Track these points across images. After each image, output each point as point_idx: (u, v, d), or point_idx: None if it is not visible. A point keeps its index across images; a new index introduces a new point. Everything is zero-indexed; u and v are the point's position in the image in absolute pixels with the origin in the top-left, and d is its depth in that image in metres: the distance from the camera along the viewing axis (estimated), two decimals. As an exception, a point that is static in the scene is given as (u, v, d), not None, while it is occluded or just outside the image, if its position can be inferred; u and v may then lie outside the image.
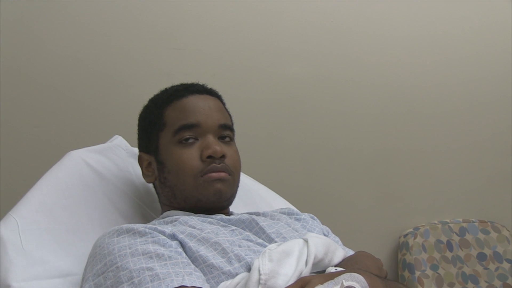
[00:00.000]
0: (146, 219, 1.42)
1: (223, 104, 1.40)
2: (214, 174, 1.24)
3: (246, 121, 2.09)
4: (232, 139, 1.35)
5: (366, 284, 0.88)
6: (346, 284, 0.87)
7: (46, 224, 1.26)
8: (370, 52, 2.43)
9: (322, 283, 0.88)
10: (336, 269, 1.04)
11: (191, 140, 1.27)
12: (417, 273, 2.30)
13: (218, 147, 1.25)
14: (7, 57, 1.94)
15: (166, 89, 1.39)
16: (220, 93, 1.42)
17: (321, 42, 2.36)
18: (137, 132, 1.42)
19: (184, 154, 1.26)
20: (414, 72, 2.50)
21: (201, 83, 1.39)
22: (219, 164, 1.25)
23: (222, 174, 1.25)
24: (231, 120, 1.39)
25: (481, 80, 2.59)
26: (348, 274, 0.89)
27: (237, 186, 1.34)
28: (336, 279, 0.89)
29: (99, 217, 1.36)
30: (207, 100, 1.33)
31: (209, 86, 1.39)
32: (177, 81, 1.41)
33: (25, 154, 1.95)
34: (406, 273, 2.32)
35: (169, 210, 1.31)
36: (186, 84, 1.38)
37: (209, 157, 1.25)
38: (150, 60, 2.11)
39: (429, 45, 2.52)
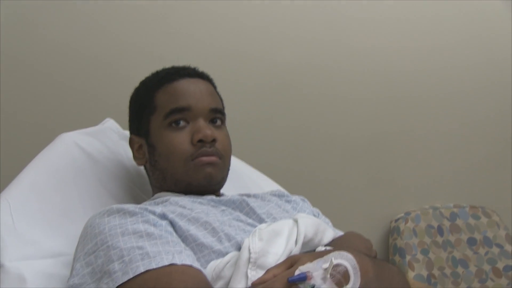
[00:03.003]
0: (137, 201, 1.42)
1: (215, 87, 1.39)
2: (205, 158, 1.25)
3: (238, 104, 2.09)
4: (223, 122, 1.35)
5: (355, 262, 0.89)
6: (335, 262, 0.87)
7: (37, 205, 1.27)
8: (362, 38, 2.42)
9: (311, 261, 0.89)
10: (325, 249, 1.05)
11: (181, 124, 1.27)
12: (408, 258, 2.32)
13: (208, 131, 1.25)
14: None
15: (157, 71, 1.39)
16: (211, 76, 1.41)
17: (313, 28, 2.36)
18: (128, 114, 1.42)
19: (174, 138, 1.26)
20: (406, 57, 2.49)
21: (192, 66, 1.39)
22: (210, 148, 1.26)
23: (213, 158, 1.26)
24: (222, 104, 1.39)
25: (473, 66, 2.59)
26: (337, 252, 0.90)
27: (228, 169, 1.34)
28: (325, 257, 0.89)
29: (90, 199, 1.36)
30: (198, 84, 1.33)
31: (200, 70, 1.39)
32: (168, 65, 1.41)
33: (16, 137, 1.94)
34: (397, 258, 2.34)
35: (159, 192, 1.31)
36: (177, 67, 1.38)
37: (200, 141, 1.24)
38: (142, 43, 2.10)
39: (420, 30, 2.51)
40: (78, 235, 1.12)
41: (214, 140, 1.26)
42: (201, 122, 1.27)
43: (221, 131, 1.32)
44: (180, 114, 1.27)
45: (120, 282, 0.92)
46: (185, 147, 1.25)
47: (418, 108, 2.53)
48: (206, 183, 1.26)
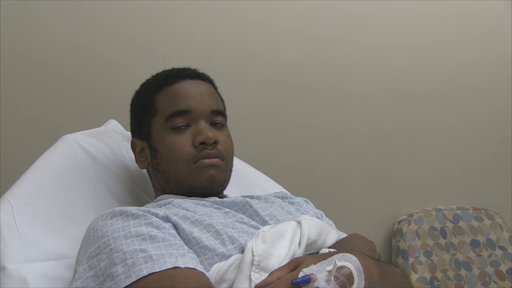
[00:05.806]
0: (140, 203, 1.43)
1: (215, 88, 1.39)
2: (207, 161, 1.25)
3: (240, 105, 2.10)
4: (224, 124, 1.35)
5: (359, 264, 0.89)
6: (339, 264, 0.87)
7: (40, 206, 1.26)
8: (365, 36, 2.42)
9: (315, 263, 0.89)
10: (329, 251, 1.05)
11: (183, 126, 1.27)
12: (411, 260, 2.31)
13: (210, 133, 1.25)
14: (3, 41, 1.93)
15: (157, 74, 1.39)
16: (215, 77, 1.41)
17: (316, 26, 2.35)
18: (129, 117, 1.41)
19: (176, 140, 1.26)
20: (410, 56, 2.49)
21: (192, 67, 1.39)
22: (212, 150, 1.26)
23: (215, 160, 1.26)
24: (224, 105, 1.39)
25: (479, 65, 2.59)
26: (341, 254, 0.90)
27: (230, 171, 1.34)
28: (329, 259, 0.89)
29: (93, 200, 1.36)
30: (198, 85, 1.32)
31: (201, 71, 1.39)
32: (172, 66, 1.40)
33: (20, 138, 1.94)
34: (400, 260, 2.33)
35: (162, 195, 1.31)
36: (177, 69, 1.37)
37: (202, 143, 1.24)
38: (146, 45, 2.10)
39: (424, 27, 2.51)
40: (80, 237, 1.12)
41: (216, 142, 1.27)
42: (203, 124, 1.27)
43: (222, 132, 1.32)
44: (181, 117, 1.27)
45: (123, 286, 0.92)
46: (187, 149, 1.25)
47: (422, 109, 2.53)
48: (209, 185, 1.25)
